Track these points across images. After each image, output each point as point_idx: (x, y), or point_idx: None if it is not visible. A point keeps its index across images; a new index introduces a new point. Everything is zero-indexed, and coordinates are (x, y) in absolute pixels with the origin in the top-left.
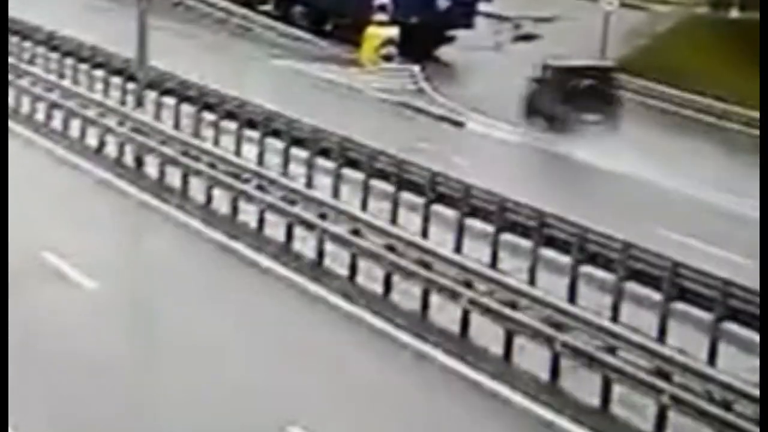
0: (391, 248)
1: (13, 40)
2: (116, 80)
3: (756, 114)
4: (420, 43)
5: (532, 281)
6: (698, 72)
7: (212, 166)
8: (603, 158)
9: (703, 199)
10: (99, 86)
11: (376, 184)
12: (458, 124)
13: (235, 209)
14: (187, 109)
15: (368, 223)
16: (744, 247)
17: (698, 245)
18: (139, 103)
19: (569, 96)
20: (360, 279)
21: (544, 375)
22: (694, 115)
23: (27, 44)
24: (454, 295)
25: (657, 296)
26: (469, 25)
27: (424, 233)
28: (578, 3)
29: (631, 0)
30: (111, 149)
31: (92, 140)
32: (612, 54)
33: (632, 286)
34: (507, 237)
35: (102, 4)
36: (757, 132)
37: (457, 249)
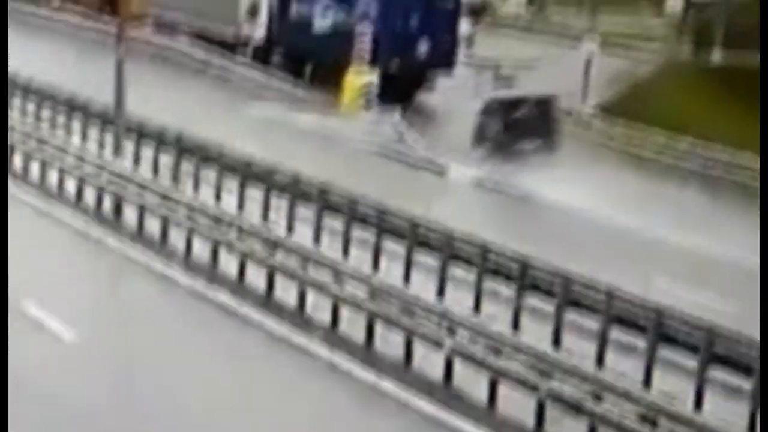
0: (373, 295)
1: None
2: (94, 127)
3: (741, 159)
4: (400, 89)
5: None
6: (681, 115)
7: (190, 214)
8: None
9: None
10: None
11: (357, 229)
12: (439, 171)
13: (215, 257)
14: (165, 156)
15: (350, 271)
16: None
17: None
18: (117, 150)
19: (509, 125)
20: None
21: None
22: (675, 156)
23: None
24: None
25: (642, 343)
26: (449, 69)
27: (407, 278)
28: (559, 48)
29: (612, 44)
30: (89, 197)
31: (70, 188)
32: (593, 98)
33: (617, 333)
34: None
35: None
36: (739, 178)
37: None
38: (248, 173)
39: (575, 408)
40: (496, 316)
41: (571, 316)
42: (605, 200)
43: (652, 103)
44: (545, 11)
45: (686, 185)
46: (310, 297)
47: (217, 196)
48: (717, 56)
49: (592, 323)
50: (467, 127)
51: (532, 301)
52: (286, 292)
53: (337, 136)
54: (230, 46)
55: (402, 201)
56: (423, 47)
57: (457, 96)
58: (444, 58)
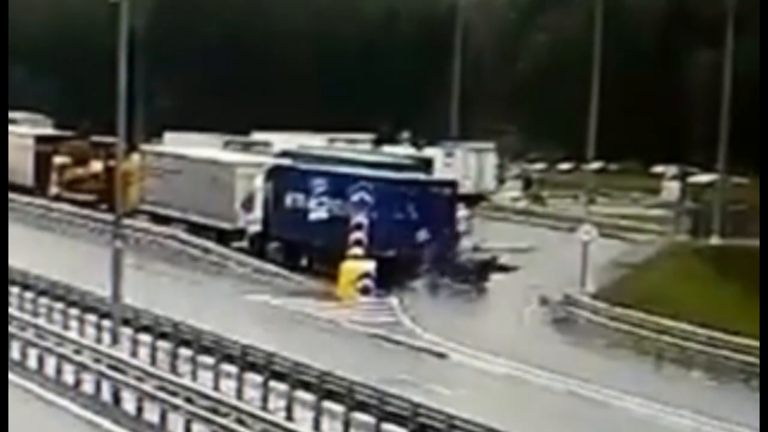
0: None
1: None
2: (91, 317)
3: (742, 340)
4: (398, 276)
5: None
6: (680, 299)
7: (189, 401)
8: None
9: None
10: (74, 324)
11: (357, 415)
12: (440, 356)
13: None
14: (163, 345)
15: None
16: None
17: None
18: (115, 340)
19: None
20: None
21: None
22: (676, 342)
23: None
24: None
25: None
26: (449, 258)
27: None
28: (555, 233)
29: (610, 230)
30: (88, 386)
31: (69, 377)
32: (592, 284)
33: None
34: None
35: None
36: (745, 357)
37: None
38: (246, 361)
39: None
40: None
41: None
42: None
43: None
44: (542, 199)
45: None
46: None
47: (216, 385)
48: (715, 241)
49: None
50: (465, 314)
51: None
52: None
53: (334, 323)
54: (227, 235)
55: (400, 387)
56: (422, 234)
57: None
58: (443, 245)
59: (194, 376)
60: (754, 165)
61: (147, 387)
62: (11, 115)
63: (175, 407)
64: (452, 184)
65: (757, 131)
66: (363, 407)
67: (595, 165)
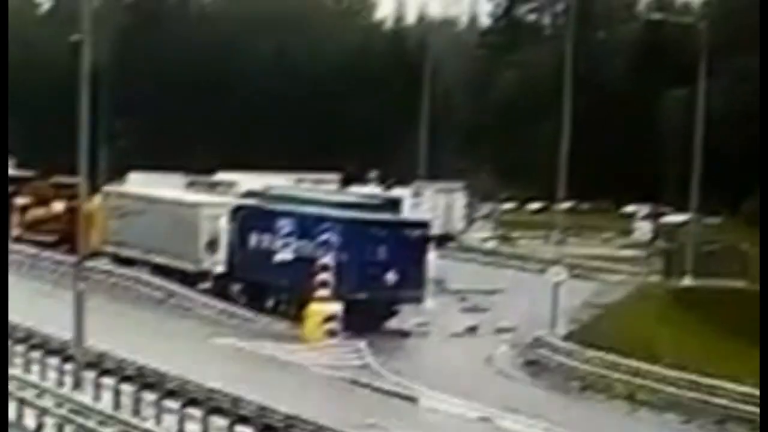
0: None
1: None
2: (53, 361)
3: (716, 381)
4: (366, 318)
5: None
6: (652, 341)
7: None
8: None
9: None
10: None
11: None
12: (410, 399)
13: None
14: (126, 388)
15: None
16: None
17: None
18: (77, 384)
19: None
20: None
21: None
22: (649, 384)
23: None
24: None
25: None
26: (419, 300)
27: None
28: (525, 274)
29: (582, 270)
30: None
31: (30, 420)
32: (563, 326)
33: None
34: None
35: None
36: (718, 399)
37: None
38: (212, 405)
39: None
40: None
41: None
42: None
43: (624, 332)
44: (511, 239)
45: None
46: None
47: (180, 429)
48: (688, 282)
49: None
50: (435, 357)
51: None
52: None
53: (300, 365)
54: (191, 277)
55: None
56: (390, 276)
57: (424, 325)
58: (412, 287)
59: (158, 420)
60: (727, 205)
61: (109, 431)
62: None
63: None
64: (423, 224)
65: (731, 171)
66: None
67: (566, 204)
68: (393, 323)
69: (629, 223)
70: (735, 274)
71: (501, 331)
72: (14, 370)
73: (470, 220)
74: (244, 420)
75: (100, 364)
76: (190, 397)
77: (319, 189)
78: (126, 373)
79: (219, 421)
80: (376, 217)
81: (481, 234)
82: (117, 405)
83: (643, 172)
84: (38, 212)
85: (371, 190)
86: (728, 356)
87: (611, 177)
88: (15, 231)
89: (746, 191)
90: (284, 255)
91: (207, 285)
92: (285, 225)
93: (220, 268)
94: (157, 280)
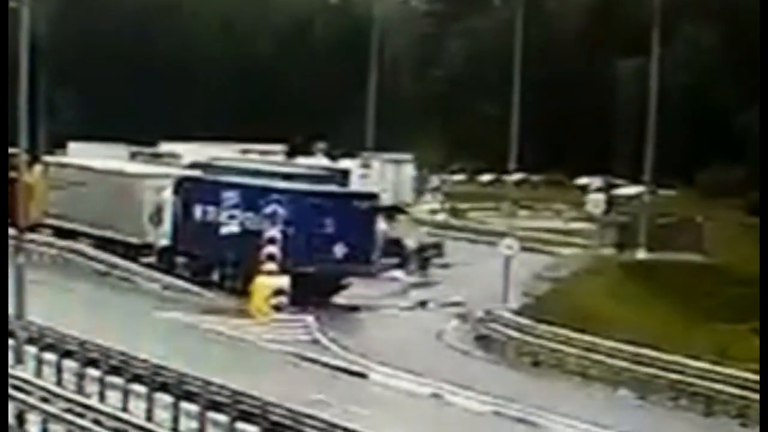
0: None
1: None
2: None
3: (670, 356)
4: (314, 292)
5: None
6: (606, 315)
7: (97, 422)
8: None
9: None
10: None
11: None
12: (359, 375)
13: None
14: (69, 364)
15: None
16: None
17: None
18: (19, 359)
19: None
20: None
21: None
22: (602, 359)
23: None
24: None
25: None
26: (368, 273)
27: None
28: (476, 247)
29: (533, 243)
30: None
31: None
32: (514, 300)
33: None
34: None
35: None
36: (673, 375)
37: None
38: (156, 381)
39: None
40: None
41: None
42: None
43: (576, 306)
44: (462, 212)
45: None
46: None
47: (124, 406)
48: (641, 255)
49: None
50: (385, 331)
51: None
52: None
53: (247, 340)
54: (135, 250)
55: (318, 407)
56: (339, 249)
57: (374, 298)
58: (362, 259)
59: (102, 397)
60: (682, 177)
61: (53, 408)
62: None
63: (82, 429)
64: (372, 196)
65: (685, 142)
66: (277, 428)
67: (518, 176)
68: (342, 297)
69: (582, 195)
70: (689, 247)
71: (452, 305)
72: None
73: (420, 192)
74: (189, 396)
75: (41, 339)
76: (135, 373)
77: (265, 160)
78: (68, 348)
79: (164, 398)
80: (324, 188)
81: (431, 206)
82: (59, 381)
83: (596, 144)
84: None
85: (318, 161)
86: (683, 331)
87: (563, 148)
88: None
89: (701, 163)
90: (230, 228)
91: (151, 258)
92: (231, 197)
93: (164, 241)
94: (100, 253)
